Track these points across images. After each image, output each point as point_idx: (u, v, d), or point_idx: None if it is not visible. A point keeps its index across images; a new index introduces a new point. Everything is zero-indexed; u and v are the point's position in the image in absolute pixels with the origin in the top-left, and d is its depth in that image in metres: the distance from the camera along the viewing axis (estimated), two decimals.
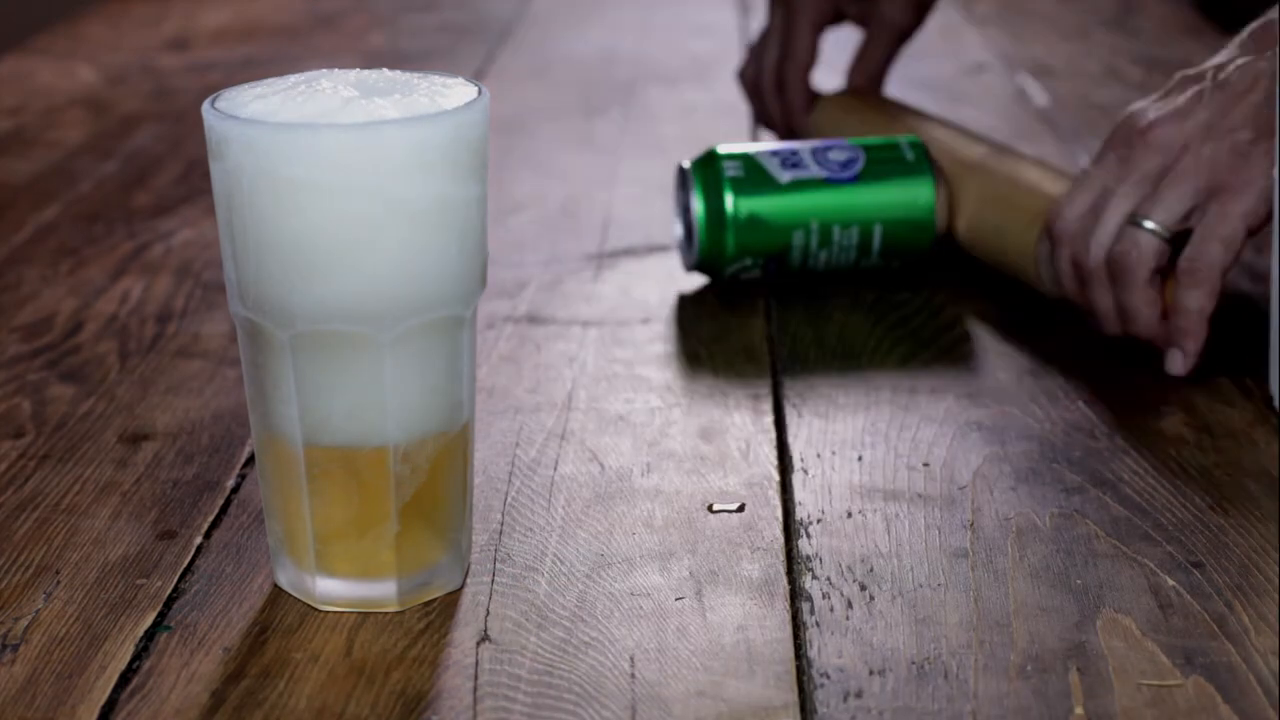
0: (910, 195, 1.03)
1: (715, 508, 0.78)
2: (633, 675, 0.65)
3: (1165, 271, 0.90)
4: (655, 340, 0.98)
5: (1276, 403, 0.86)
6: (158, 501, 0.80)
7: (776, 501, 0.79)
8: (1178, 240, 0.89)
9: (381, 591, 0.70)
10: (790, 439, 0.85)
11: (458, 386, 0.70)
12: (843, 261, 1.04)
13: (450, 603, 0.71)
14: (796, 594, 0.71)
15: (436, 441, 0.70)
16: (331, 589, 0.70)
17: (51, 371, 0.96)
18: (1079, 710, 0.63)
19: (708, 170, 1.03)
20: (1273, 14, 0.91)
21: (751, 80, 1.31)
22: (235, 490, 0.81)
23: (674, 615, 0.69)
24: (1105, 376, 0.91)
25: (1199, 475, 0.80)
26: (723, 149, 1.04)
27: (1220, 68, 0.91)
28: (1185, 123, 0.90)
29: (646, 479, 0.81)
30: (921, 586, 0.71)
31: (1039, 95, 1.50)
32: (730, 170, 1.02)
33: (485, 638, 0.68)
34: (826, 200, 1.02)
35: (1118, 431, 0.85)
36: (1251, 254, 1.08)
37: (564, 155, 1.37)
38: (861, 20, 1.29)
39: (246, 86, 0.70)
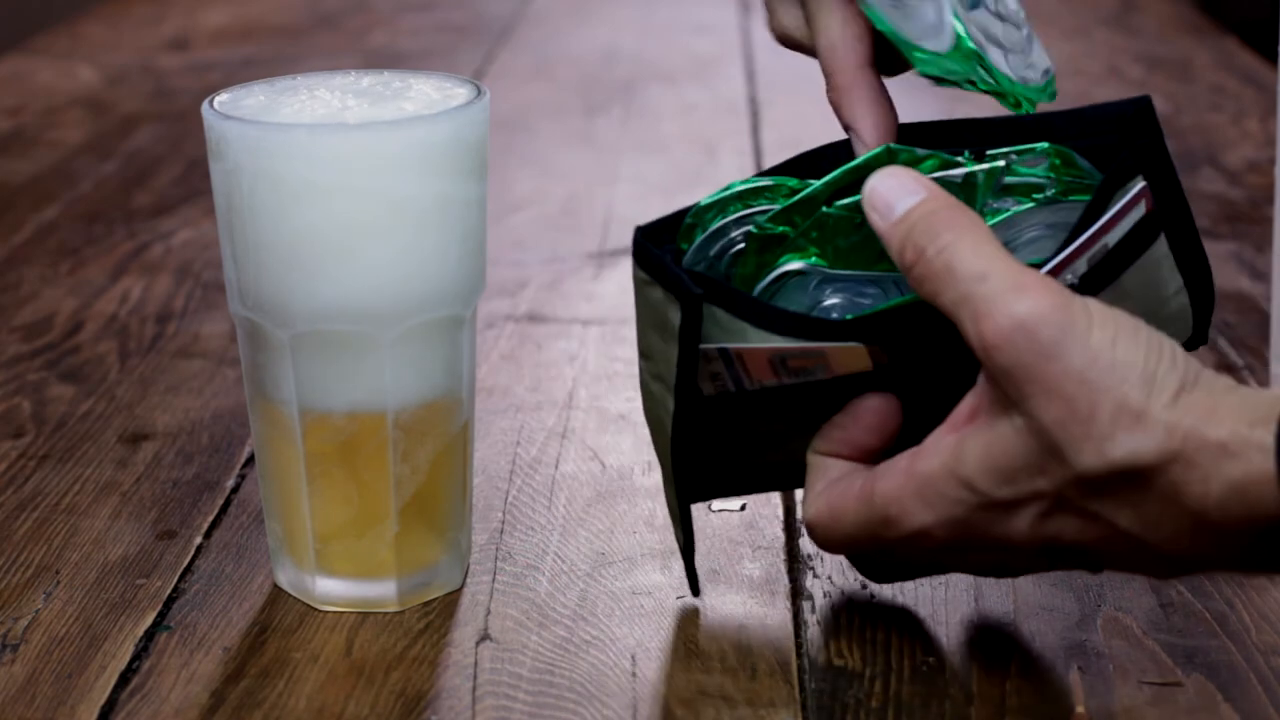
0: None
1: (716, 507, 0.78)
2: (634, 674, 0.65)
3: None
4: None
5: None
6: (158, 501, 0.80)
7: (777, 500, 0.78)
8: None
9: (381, 591, 0.70)
10: None
11: (457, 386, 0.70)
12: None
13: (450, 602, 0.71)
14: (798, 593, 0.71)
15: (436, 441, 0.70)
16: (331, 589, 0.70)
17: (51, 371, 0.95)
18: (1080, 709, 0.63)
19: None
20: None
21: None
22: (235, 490, 0.81)
23: (675, 614, 0.69)
24: None
25: None
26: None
27: None
28: None
29: (647, 477, 0.81)
30: (922, 585, 0.71)
31: None
32: None
33: (486, 637, 0.68)
34: None
35: None
36: (1252, 253, 1.08)
37: (564, 154, 1.37)
38: None
39: (246, 86, 0.70)
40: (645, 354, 0.67)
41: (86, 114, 1.51)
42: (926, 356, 0.62)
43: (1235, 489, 0.55)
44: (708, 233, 0.67)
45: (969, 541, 0.61)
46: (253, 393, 0.70)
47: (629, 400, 0.90)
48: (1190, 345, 0.67)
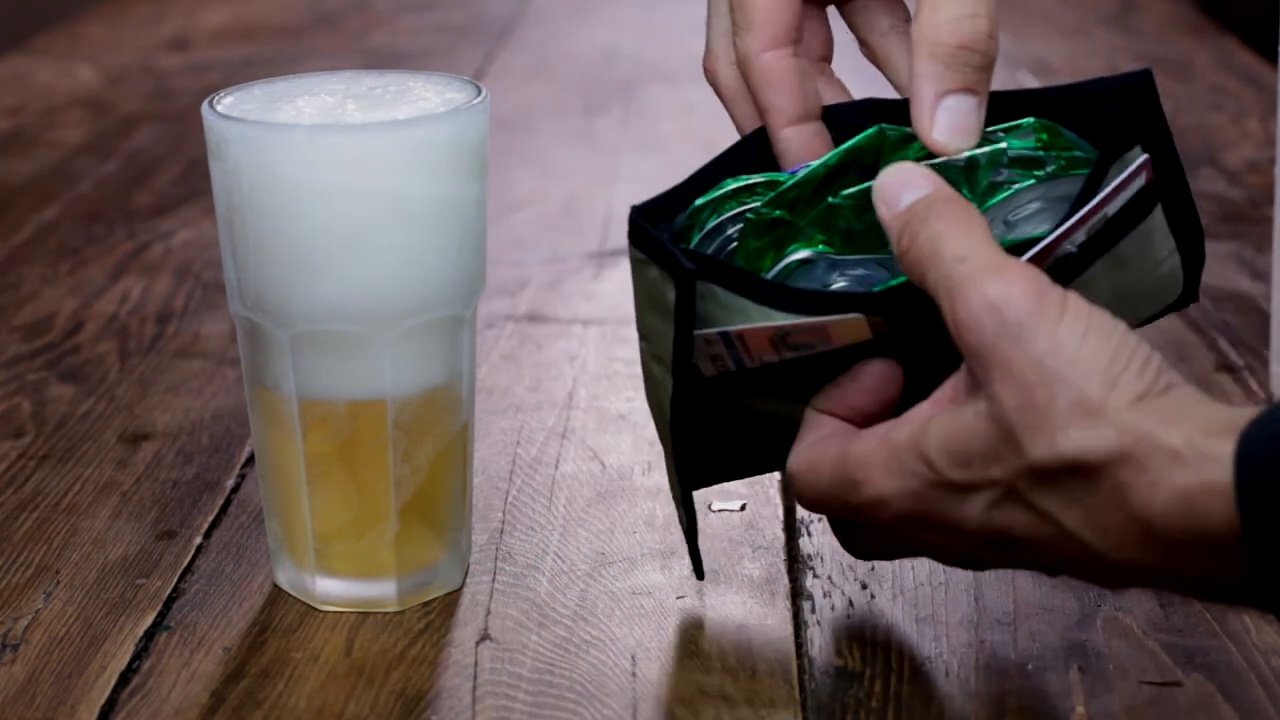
0: None
1: (716, 506, 0.78)
2: (634, 674, 0.65)
3: None
4: None
5: (1278, 400, 0.85)
6: (158, 501, 0.80)
7: (778, 500, 0.78)
8: None
9: (381, 591, 0.70)
10: None
11: (457, 386, 0.70)
12: None
13: (450, 602, 0.71)
14: (798, 593, 0.71)
15: (436, 441, 0.70)
16: (331, 589, 0.70)
17: (51, 371, 0.95)
18: (1080, 709, 0.63)
19: None
20: None
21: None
22: (235, 490, 0.81)
23: (675, 614, 0.69)
24: None
25: None
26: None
27: None
28: None
29: (647, 478, 0.81)
30: (922, 585, 0.71)
31: None
32: None
33: (486, 637, 0.68)
34: None
35: None
36: (1252, 253, 1.08)
37: (564, 154, 1.37)
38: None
39: (246, 87, 0.70)
40: (644, 335, 0.67)
41: (86, 114, 1.51)
42: (922, 330, 0.62)
43: (1182, 497, 0.53)
44: (704, 231, 0.67)
45: (922, 519, 0.60)
46: (253, 393, 0.70)
47: (629, 400, 0.90)
48: (1181, 302, 0.68)
